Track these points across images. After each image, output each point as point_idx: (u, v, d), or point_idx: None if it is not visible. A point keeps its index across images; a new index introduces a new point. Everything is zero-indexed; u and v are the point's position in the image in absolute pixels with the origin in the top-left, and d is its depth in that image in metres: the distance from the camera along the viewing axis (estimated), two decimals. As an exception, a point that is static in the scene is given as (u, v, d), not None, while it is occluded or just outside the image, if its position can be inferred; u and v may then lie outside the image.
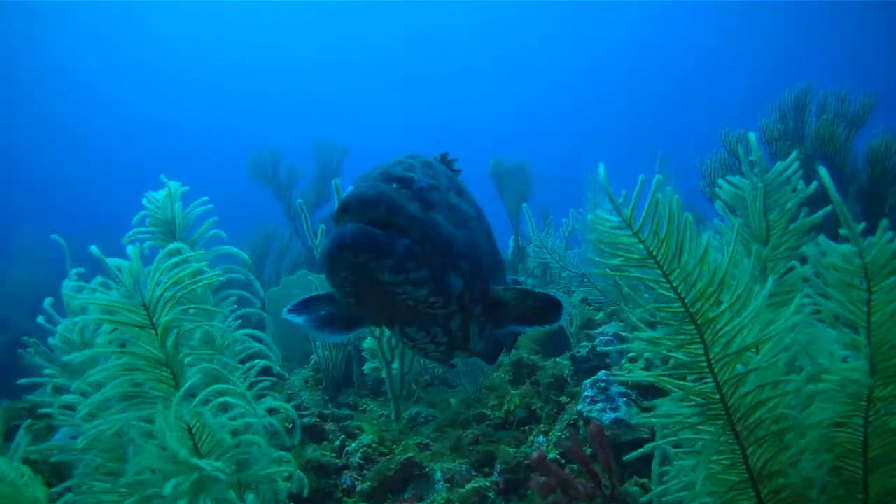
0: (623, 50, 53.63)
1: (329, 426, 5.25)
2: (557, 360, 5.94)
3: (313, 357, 7.40)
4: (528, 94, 58.99)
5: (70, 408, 3.16)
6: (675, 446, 2.95)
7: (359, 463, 4.82)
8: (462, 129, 54.96)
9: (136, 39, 50.22)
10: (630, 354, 5.47)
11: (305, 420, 5.22)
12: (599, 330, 5.96)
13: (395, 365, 5.76)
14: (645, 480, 4.64)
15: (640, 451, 2.93)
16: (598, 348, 5.45)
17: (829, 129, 8.23)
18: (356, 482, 4.67)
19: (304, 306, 3.25)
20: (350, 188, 2.56)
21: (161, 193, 3.45)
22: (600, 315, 7.84)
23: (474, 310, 3.00)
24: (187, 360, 2.95)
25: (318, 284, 7.07)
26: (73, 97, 51.82)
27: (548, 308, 3.01)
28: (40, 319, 3.35)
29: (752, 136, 3.03)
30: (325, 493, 4.58)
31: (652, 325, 5.87)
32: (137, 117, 53.86)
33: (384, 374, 5.73)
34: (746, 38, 46.70)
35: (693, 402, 2.69)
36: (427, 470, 4.70)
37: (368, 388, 7.80)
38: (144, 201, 3.48)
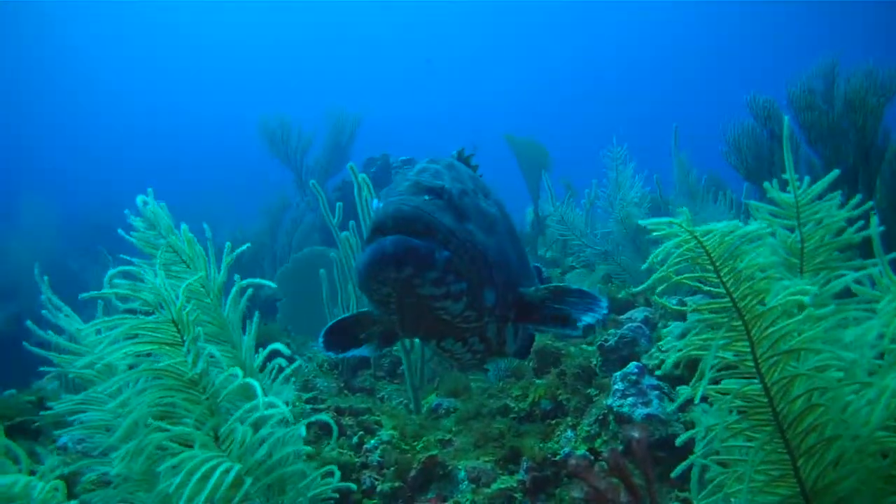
0: (638, 17, 52.43)
1: (346, 420, 5.03)
2: (583, 346, 5.70)
3: (329, 340, 7.19)
4: (541, 65, 57.99)
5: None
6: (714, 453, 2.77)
7: (378, 461, 4.61)
8: (475, 104, 54.47)
9: (147, 16, 49.54)
10: (659, 343, 5.24)
11: (321, 416, 5.00)
12: (627, 315, 5.70)
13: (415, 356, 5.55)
14: (686, 495, 4.43)
15: (684, 465, 2.76)
16: (626, 336, 5.20)
17: (859, 95, 7.86)
18: (376, 482, 4.47)
19: (334, 334, 3.32)
20: (380, 204, 2.44)
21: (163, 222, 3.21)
22: (623, 293, 7.59)
23: (509, 315, 2.96)
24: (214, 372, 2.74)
25: (335, 255, 6.85)
26: (84, 66, 51.40)
27: (585, 305, 2.95)
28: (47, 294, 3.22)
29: (786, 120, 2.82)
30: (343, 493, 4.38)
31: (682, 315, 5.54)
32: (150, 89, 53.64)
33: (404, 366, 5.52)
34: (767, 6, 45.46)
35: (739, 406, 2.55)
36: (450, 469, 4.50)
37: (385, 370, 7.60)
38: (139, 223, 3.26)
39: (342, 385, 6.59)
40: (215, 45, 53.36)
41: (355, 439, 4.83)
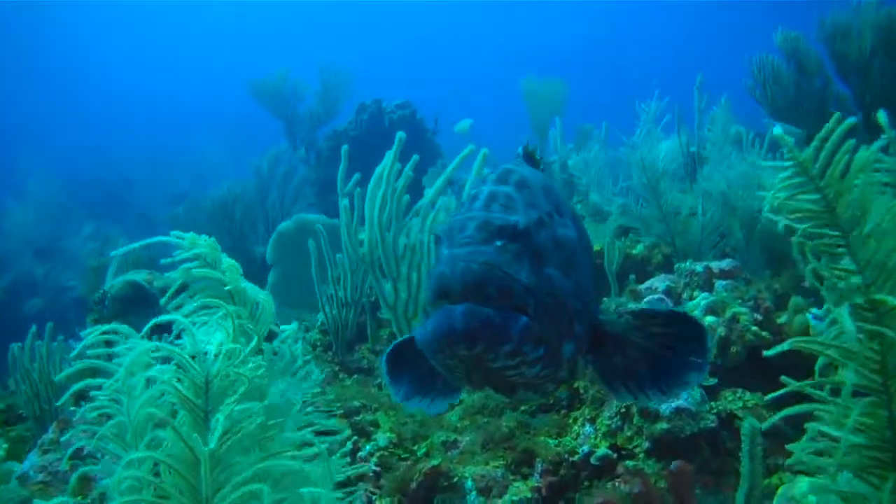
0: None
1: (339, 422, 4.52)
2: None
3: (320, 316, 6.66)
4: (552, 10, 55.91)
5: None
6: None
7: (374, 471, 4.12)
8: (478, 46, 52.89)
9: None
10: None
11: (311, 418, 4.49)
12: (647, 285, 5.13)
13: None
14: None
15: None
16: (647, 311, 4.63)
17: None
18: (373, 497, 3.98)
19: (399, 363, 2.92)
20: (443, 251, 2.10)
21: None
22: (639, 248, 7.02)
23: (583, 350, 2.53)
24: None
25: (321, 227, 6.26)
26: (80, 27, 50.09)
27: (682, 336, 2.49)
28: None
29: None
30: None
31: (709, 284, 4.84)
32: (144, 50, 52.36)
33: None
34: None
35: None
36: (455, 478, 4.00)
37: (384, 343, 7.09)
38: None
39: (337, 368, 6.08)
40: (209, 2, 52.01)
41: (349, 445, 4.32)
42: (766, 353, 2.30)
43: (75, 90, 52.16)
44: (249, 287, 2.79)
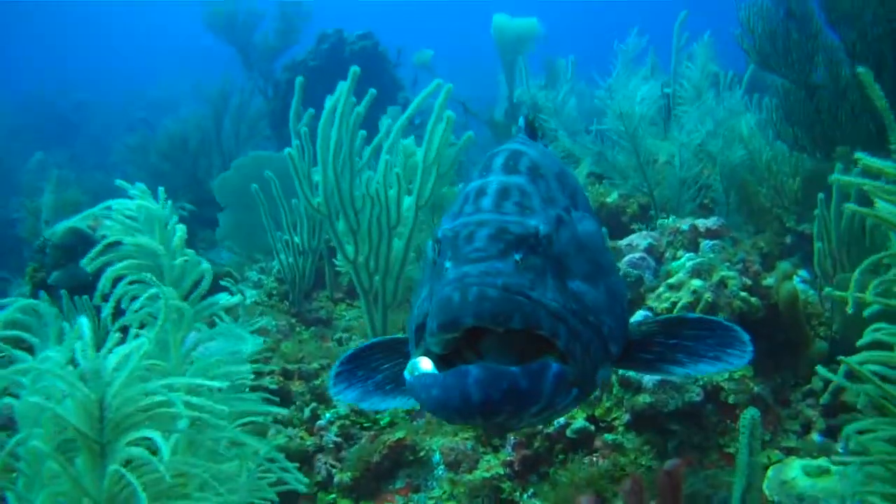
0: None
1: (296, 387, 4.20)
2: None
3: (275, 264, 6.26)
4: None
5: None
6: None
7: (335, 442, 3.81)
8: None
9: None
10: (669, 281, 4.39)
11: (266, 380, 4.15)
12: (627, 241, 4.82)
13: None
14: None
15: None
16: (630, 273, 4.35)
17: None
18: (333, 471, 3.67)
19: (355, 366, 2.44)
20: (448, 268, 1.68)
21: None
22: (613, 196, 6.69)
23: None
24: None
25: (273, 171, 5.79)
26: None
27: (718, 339, 2.14)
28: None
29: None
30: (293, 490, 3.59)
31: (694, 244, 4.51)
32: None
33: (363, 308, 4.64)
34: None
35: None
36: (422, 452, 3.71)
37: (344, 290, 6.74)
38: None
39: (294, 320, 5.72)
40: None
41: (307, 412, 4.00)
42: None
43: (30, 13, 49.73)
44: (191, 256, 2.42)
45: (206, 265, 2.41)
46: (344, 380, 2.39)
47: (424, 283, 1.91)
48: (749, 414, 2.84)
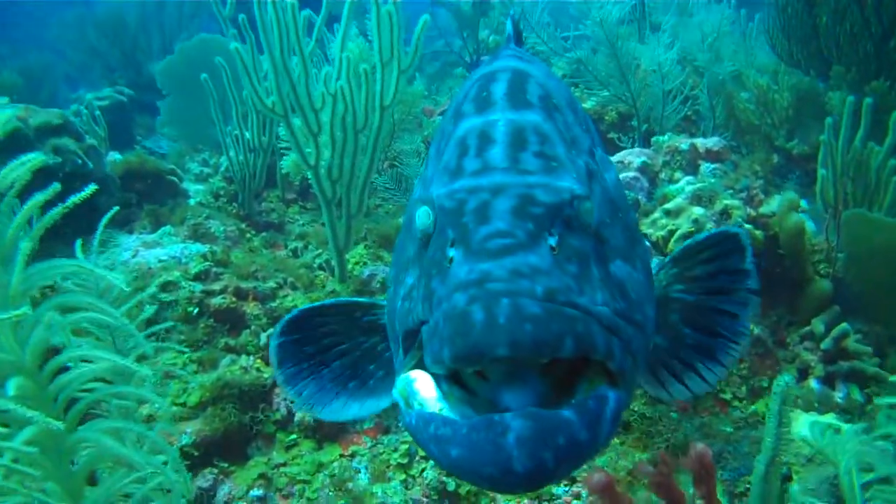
0: None
1: (250, 308, 3.73)
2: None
3: (224, 161, 5.69)
4: None
5: None
6: None
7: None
8: None
9: None
10: (666, 206, 4.03)
11: (216, 300, 3.69)
12: (617, 158, 4.40)
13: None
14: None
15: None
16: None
17: None
18: (294, 408, 3.29)
19: (302, 337, 1.92)
20: (458, 259, 1.16)
21: None
22: (591, 103, 6.24)
23: None
24: None
25: (223, 57, 5.13)
26: None
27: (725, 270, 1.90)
28: None
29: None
30: (250, 429, 3.20)
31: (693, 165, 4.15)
32: None
33: (325, 218, 4.17)
34: None
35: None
36: (394, 390, 3.34)
37: (296, 190, 6.23)
38: None
39: (244, 224, 5.21)
40: None
41: (264, 338, 3.57)
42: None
43: None
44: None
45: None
46: (290, 357, 1.91)
47: (411, 265, 1.39)
48: (783, 380, 2.52)
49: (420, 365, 1.22)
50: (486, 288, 1.08)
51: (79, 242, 2.24)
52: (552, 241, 1.17)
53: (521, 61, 1.76)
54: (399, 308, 1.35)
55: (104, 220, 2.32)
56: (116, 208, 2.50)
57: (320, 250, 4.70)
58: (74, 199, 1.65)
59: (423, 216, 1.27)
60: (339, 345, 1.92)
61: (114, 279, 1.68)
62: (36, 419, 1.51)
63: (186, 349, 3.41)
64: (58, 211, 1.65)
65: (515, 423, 1.01)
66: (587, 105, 6.14)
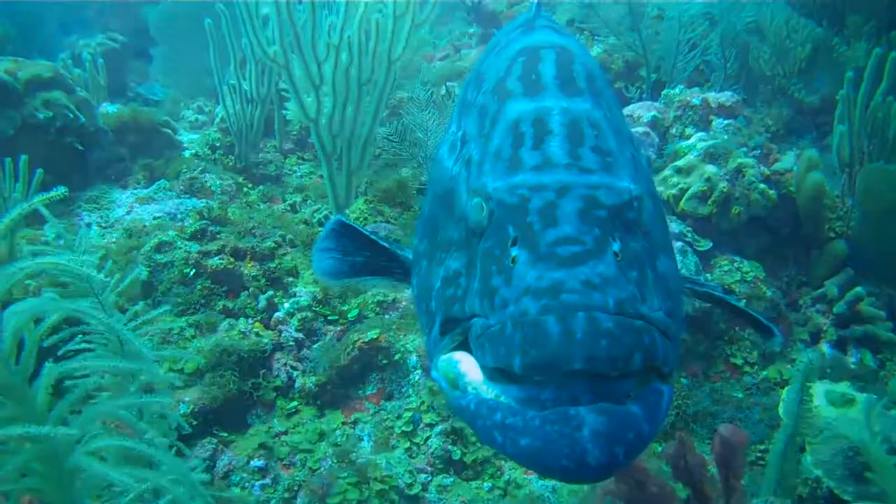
0: None
1: (249, 269, 3.62)
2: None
3: (220, 111, 5.52)
4: None
5: None
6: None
7: (296, 339, 3.31)
8: None
9: None
10: (678, 163, 3.90)
11: (213, 261, 3.57)
12: (626, 111, 4.25)
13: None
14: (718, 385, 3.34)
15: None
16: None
17: None
18: (294, 373, 3.20)
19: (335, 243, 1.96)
20: (525, 260, 1.12)
21: None
22: (597, 49, 6.05)
23: None
24: None
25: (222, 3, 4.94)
26: None
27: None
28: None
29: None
30: (249, 396, 3.11)
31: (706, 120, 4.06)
32: None
33: (324, 173, 4.04)
34: None
35: None
36: (397, 356, 3.25)
37: (293, 140, 6.07)
38: None
39: (241, 178, 5.07)
40: None
41: (263, 301, 3.46)
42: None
43: None
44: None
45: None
46: (331, 238, 1.98)
47: (455, 248, 1.35)
48: (807, 357, 2.44)
49: (458, 348, 1.21)
50: (562, 300, 1.07)
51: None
52: (616, 247, 1.16)
53: (560, 35, 1.69)
54: (438, 289, 1.33)
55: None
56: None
57: (319, 205, 4.57)
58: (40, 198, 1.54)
59: (476, 209, 1.25)
60: (363, 252, 1.98)
61: (91, 273, 1.58)
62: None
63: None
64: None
65: (590, 418, 1.04)
66: (594, 52, 5.96)
